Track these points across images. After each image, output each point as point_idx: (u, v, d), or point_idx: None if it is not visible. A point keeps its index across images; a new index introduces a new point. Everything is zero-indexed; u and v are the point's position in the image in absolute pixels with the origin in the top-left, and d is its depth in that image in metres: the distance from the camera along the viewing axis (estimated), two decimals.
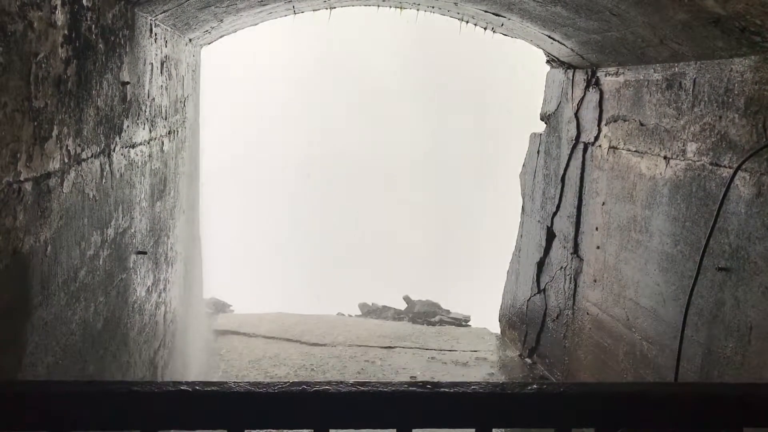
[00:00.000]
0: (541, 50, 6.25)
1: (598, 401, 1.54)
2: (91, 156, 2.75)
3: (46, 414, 1.45)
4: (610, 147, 5.10)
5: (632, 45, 4.38)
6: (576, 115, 5.82)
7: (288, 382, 1.46)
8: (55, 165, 2.30)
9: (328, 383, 1.47)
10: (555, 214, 6.24)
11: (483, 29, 6.06)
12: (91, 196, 2.75)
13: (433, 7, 5.95)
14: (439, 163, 28.72)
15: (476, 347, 7.26)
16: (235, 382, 1.46)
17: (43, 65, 2.15)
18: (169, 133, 4.63)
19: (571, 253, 5.78)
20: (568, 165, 5.96)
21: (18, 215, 2.00)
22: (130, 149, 3.45)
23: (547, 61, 6.46)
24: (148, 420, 1.48)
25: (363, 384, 1.47)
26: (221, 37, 6.36)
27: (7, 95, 1.89)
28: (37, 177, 2.15)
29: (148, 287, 4.05)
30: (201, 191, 6.60)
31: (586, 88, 5.60)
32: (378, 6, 5.94)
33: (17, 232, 2.00)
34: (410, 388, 1.46)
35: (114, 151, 3.11)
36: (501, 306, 7.88)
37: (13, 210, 1.97)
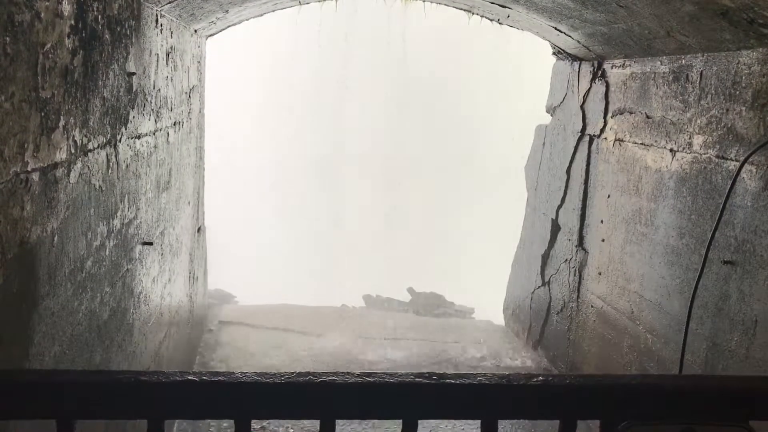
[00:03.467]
0: (547, 42, 6.23)
1: (603, 393, 1.54)
2: (98, 147, 2.75)
3: (53, 403, 1.46)
4: (615, 139, 5.09)
5: (639, 37, 4.37)
6: (582, 107, 5.80)
7: (294, 372, 1.46)
8: (61, 155, 2.30)
9: (335, 374, 1.47)
10: (560, 206, 6.23)
11: (489, 20, 6.04)
12: (97, 186, 2.75)
13: None
14: (443, 154, 28.69)
15: (480, 339, 7.27)
16: (242, 372, 1.47)
17: (50, 55, 2.15)
18: (175, 124, 4.64)
19: (576, 246, 5.78)
20: (573, 157, 5.95)
21: (25, 205, 2.01)
22: (136, 140, 3.45)
23: (554, 53, 6.44)
24: (155, 409, 1.48)
25: (369, 375, 1.47)
26: (226, 27, 6.35)
27: (15, 85, 1.89)
28: (44, 167, 2.15)
29: (154, 278, 4.07)
30: (205, 182, 6.61)
31: (592, 80, 5.59)
32: None
33: (24, 222, 2.01)
34: (416, 379, 1.47)
35: (120, 141, 3.12)
36: (505, 298, 7.89)
37: (21, 200, 1.97)
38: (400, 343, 6.98)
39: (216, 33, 6.34)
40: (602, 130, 5.35)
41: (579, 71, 5.91)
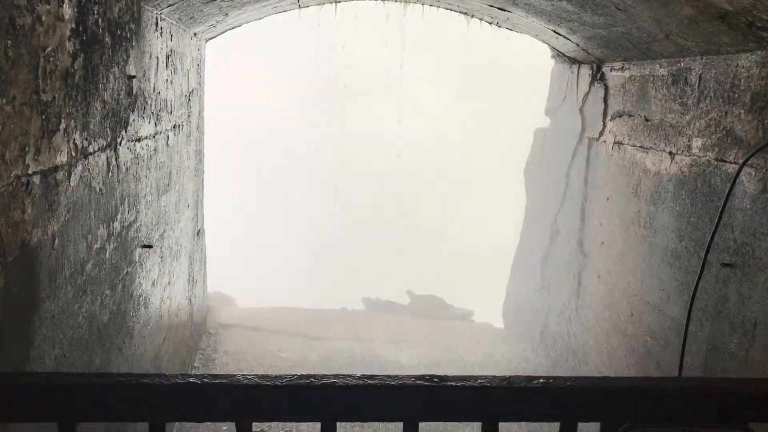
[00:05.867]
0: (546, 45, 6.24)
1: (604, 395, 1.54)
2: (98, 150, 2.76)
3: (54, 405, 1.46)
4: (615, 142, 5.10)
5: (638, 40, 4.37)
6: (581, 110, 5.81)
7: (295, 375, 1.46)
8: (62, 158, 2.30)
9: (336, 376, 1.47)
10: (559, 209, 6.24)
11: (489, 24, 6.05)
12: (97, 189, 2.76)
13: (438, 2, 5.94)
14: (443, 156, 28.72)
15: (480, 342, 7.27)
16: (243, 374, 1.47)
17: (51, 59, 2.16)
18: (174, 127, 4.64)
19: (575, 249, 5.78)
20: (572, 160, 5.95)
21: (26, 208, 2.01)
22: (136, 143, 3.46)
23: (553, 56, 6.45)
24: (156, 412, 1.48)
25: (370, 377, 1.47)
26: (226, 31, 6.36)
27: (16, 89, 1.90)
28: (45, 170, 2.15)
29: (153, 281, 4.07)
30: (205, 185, 6.61)
31: (592, 83, 5.59)
32: (384, 0, 5.93)
33: (25, 225, 2.01)
34: (417, 382, 1.47)
35: (120, 144, 3.12)
36: (505, 301, 7.89)
37: (22, 203, 1.98)
38: (400, 346, 6.98)
39: (216, 36, 6.34)
40: (601, 133, 5.35)
41: (578, 74, 5.91)
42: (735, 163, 3.54)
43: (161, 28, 4.01)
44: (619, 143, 5.01)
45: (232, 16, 5.52)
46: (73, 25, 2.37)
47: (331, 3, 6.10)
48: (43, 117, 2.12)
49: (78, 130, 2.47)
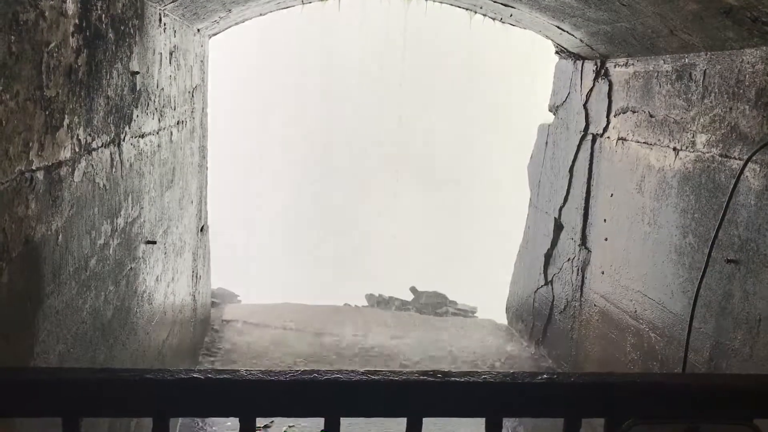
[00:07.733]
0: (550, 41, 6.22)
1: (607, 391, 1.54)
2: (102, 145, 2.76)
3: (59, 401, 1.46)
4: (618, 138, 5.09)
5: (642, 36, 4.36)
6: (585, 106, 5.80)
7: (299, 370, 1.47)
8: (66, 154, 2.31)
9: (339, 372, 1.47)
10: (563, 205, 6.23)
11: (492, 19, 6.04)
12: (101, 185, 2.76)
13: None
14: (445, 153, 28.70)
15: (483, 338, 7.27)
16: (246, 370, 1.47)
17: (54, 54, 2.15)
18: (178, 123, 4.64)
19: (579, 245, 5.78)
20: (576, 156, 5.94)
21: (30, 204, 2.01)
22: (140, 139, 3.46)
23: (556, 52, 6.44)
24: (159, 407, 1.49)
25: (374, 373, 1.47)
26: (229, 27, 6.36)
27: (20, 84, 1.90)
28: (49, 166, 2.16)
29: (157, 277, 4.07)
30: (209, 181, 6.61)
31: (595, 79, 5.58)
32: None
33: (29, 220, 2.01)
34: (421, 377, 1.47)
35: (124, 140, 3.12)
36: (508, 297, 7.88)
37: (26, 199, 1.98)
38: (403, 341, 6.98)
39: (219, 32, 6.34)
40: (605, 129, 5.34)
41: (582, 70, 5.90)
42: (739, 159, 3.53)
43: (164, 24, 4.01)
44: (623, 139, 5.00)
45: (236, 12, 5.52)
46: (77, 21, 2.36)
47: None
48: (47, 113, 2.12)
49: (81, 125, 2.47)
